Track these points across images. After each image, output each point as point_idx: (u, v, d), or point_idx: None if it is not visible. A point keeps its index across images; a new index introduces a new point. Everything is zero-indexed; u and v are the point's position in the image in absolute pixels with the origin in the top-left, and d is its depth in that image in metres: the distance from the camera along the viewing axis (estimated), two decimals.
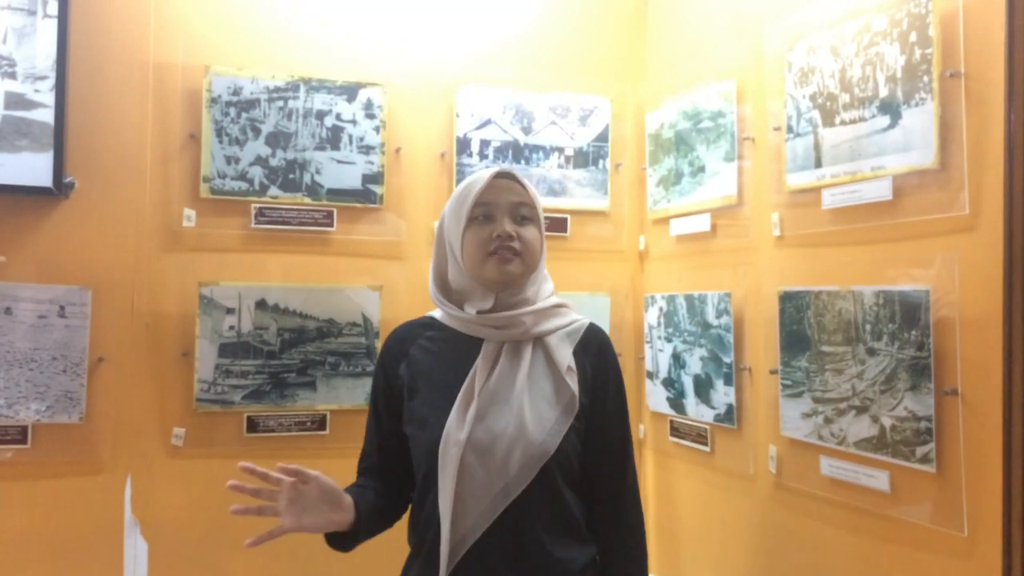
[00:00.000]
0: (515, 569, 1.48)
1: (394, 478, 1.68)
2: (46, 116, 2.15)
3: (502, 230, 1.58)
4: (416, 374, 1.63)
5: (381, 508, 1.65)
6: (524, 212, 1.62)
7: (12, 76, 2.14)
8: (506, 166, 1.65)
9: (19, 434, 2.18)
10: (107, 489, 2.26)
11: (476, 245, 1.59)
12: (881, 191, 1.75)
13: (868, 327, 1.76)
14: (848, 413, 1.81)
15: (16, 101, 2.13)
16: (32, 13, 2.15)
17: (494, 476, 1.47)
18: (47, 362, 2.19)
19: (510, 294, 1.61)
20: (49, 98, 2.15)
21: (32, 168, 2.14)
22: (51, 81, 2.16)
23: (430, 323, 1.71)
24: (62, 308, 2.20)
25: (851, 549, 1.84)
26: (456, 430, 1.51)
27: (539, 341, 1.60)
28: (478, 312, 1.60)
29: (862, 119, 1.80)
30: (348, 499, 1.54)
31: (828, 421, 1.87)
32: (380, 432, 1.70)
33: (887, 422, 1.71)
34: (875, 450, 1.74)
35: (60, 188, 2.17)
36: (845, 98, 1.85)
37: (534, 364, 1.57)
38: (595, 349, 1.64)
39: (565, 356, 1.58)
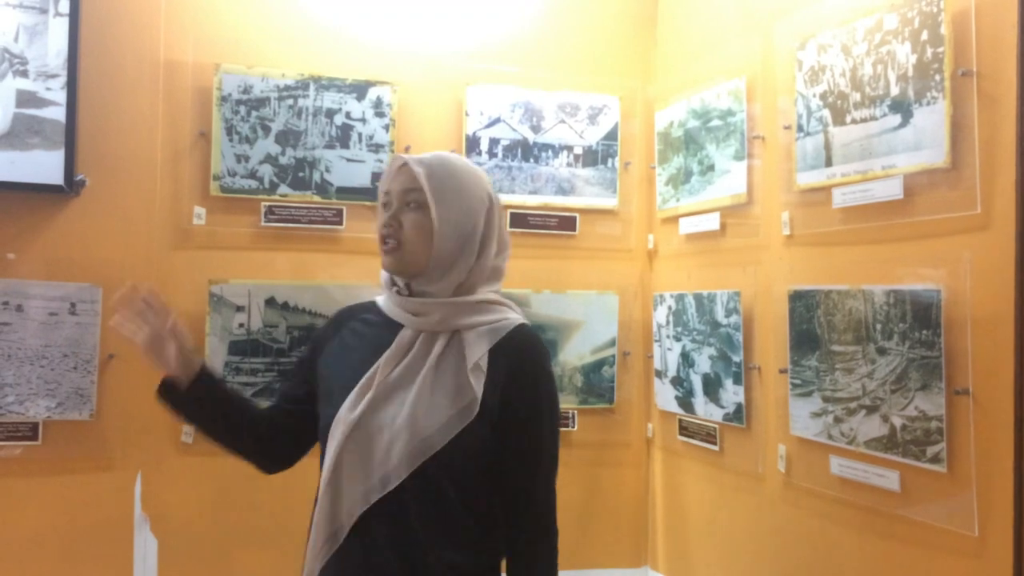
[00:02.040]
0: (394, 564, 1.43)
1: (272, 428, 1.66)
2: (57, 114, 2.16)
3: (384, 220, 1.53)
4: (338, 353, 1.61)
5: (238, 418, 1.66)
6: (411, 198, 1.51)
7: (24, 74, 2.14)
8: (410, 156, 1.54)
9: (30, 430, 2.19)
10: (117, 486, 2.27)
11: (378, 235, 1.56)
12: (892, 190, 1.75)
13: (879, 326, 1.76)
14: (858, 412, 1.81)
15: (28, 99, 2.14)
16: (44, 11, 2.16)
17: (375, 464, 1.43)
18: (58, 359, 2.20)
19: (421, 283, 1.53)
20: (61, 96, 2.16)
21: (44, 166, 2.15)
22: (62, 79, 2.17)
23: (370, 307, 1.65)
24: (73, 305, 2.21)
25: (861, 549, 1.83)
26: (347, 412, 1.48)
27: (456, 335, 1.50)
28: (397, 292, 1.56)
29: (873, 118, 1.80)
30: (197, 361, 1.62)
31: (838, 420, 1.86)
32: (286, 390, 1.72)
33: (897, 422, 1.70)
34: (885, 450, 1.74)
35: (71, 186, 2.18)
36: (856, 97, 1.85)
37: (443, 358, 1.49)
38: (516, 351, 1.50)
39: (475, 353, 1.47)
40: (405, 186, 1.52)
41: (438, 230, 1.49)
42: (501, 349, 1.49)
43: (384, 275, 1.61)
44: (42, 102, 2.15)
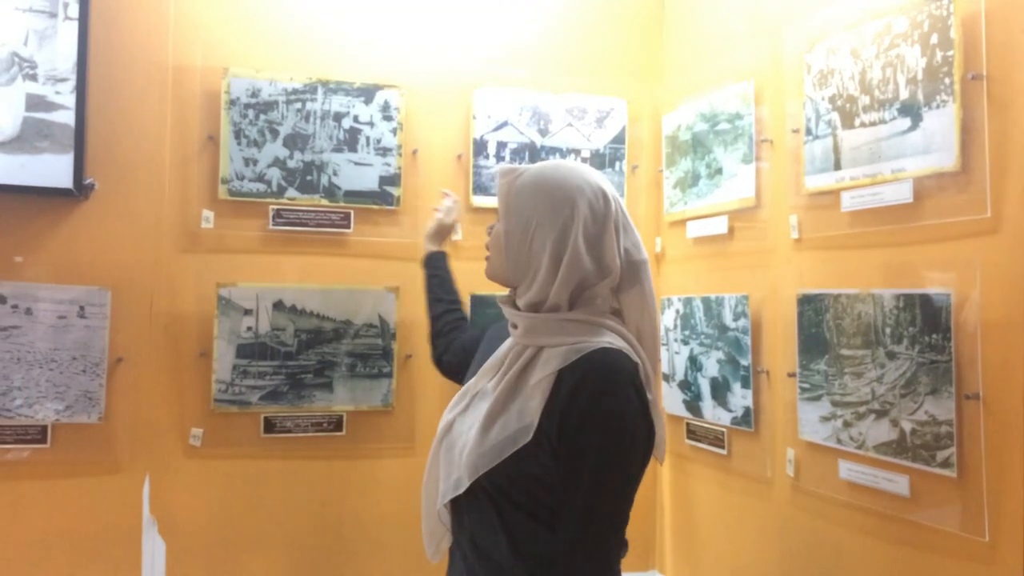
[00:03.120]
0: (475, 563, 1.45)
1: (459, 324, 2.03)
2: (67, 118, 2.17)
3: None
4: (484, 346, 1.69)
5: (449, 294, 2.09)
6: (499, 213, 1.52)
7: (33, 78, 2.15)
8: (512, 166, 1.53)
9: (39, 434, 2.20)
10: (126, 489, 2.28)
11: None
12: (902, 194, 1.74)
13: (888, 330, 1.75)
14: (867, 417, 1.80)
15: (37, 103, 2.15)
16: (53, 15, 2.17)
17: (452, 466, 1.46)
18: (67, 362, 2.20)
19: (516, 294, 1.52)
20: (70, 100, 2.17)
21: (53, 170, 2.16)
22: (72, 83, 2.17)
23: None
24: (82, 308, 2.21)
25: (870, 553, 1.82)
26: (448, 412, 1.54)
27: (539, 351, 1.43)
28: (499, 301, 1.56)
29: (882, 121, 1.79)
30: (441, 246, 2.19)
31: (847, 425, 1.86)
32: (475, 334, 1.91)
33: (907, 426, 1.70)
34: (895, 454, 1.73)
35: (80, 189, 2.19)
36: (865, 100, 1.84)
37: (523, 374, 1.44)
38: (578, 376, 1.36)
39: (540, 374, 1.39)
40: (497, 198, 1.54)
41: (504, 243, 1.47)
42: (568, 372, 1.37)
43: None
44: (51, 106, 2.16)
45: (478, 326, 1.99)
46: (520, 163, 2.57)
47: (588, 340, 1.39)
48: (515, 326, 1.50)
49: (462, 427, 1.49)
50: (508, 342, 1.53)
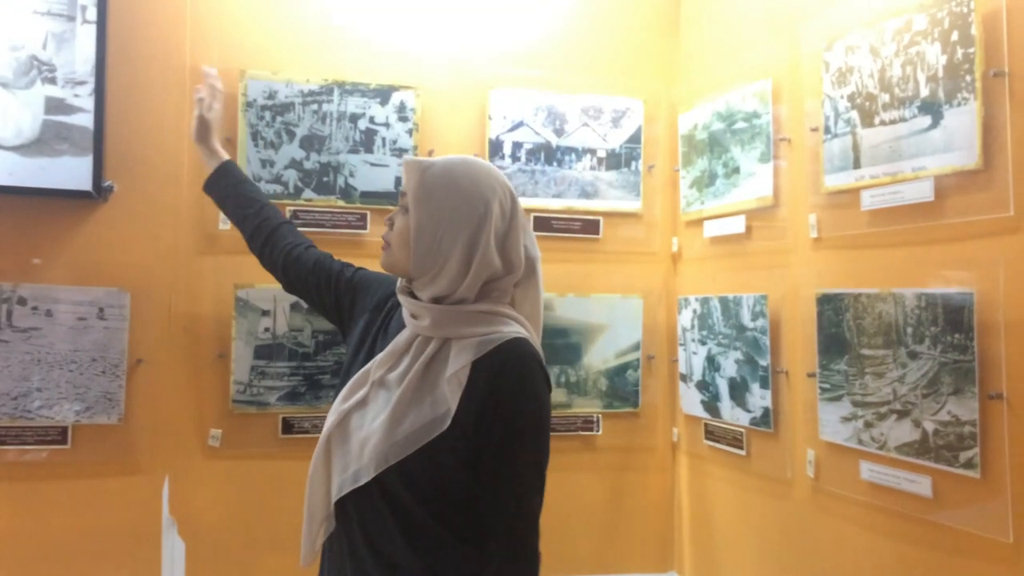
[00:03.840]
0: (369, 559, 1.45)
1: (302, 268, 1.86)
2: (86, 121, 2.17)
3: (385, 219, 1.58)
4: (362, 328, 1.65)
5: (262, 209, 1.97)
6: (404, 201, 1.51)
7: (52, 81, 2.16)
8: (418, 158, 1.55)
9: (59, 434, 2.21)
10: (145, 489, 2.29)
11: None
12: (922, 192, 1.73)
13: (910, 330, 1.74)
14: (889, 417, 1.79)
15: (56, 106, 2.16)
16: (72, 19, 2.18)
17: (351, 458, 1.45)
18: (87, 363, 2.22)
19: (416, 287, 1.52)
20: (88, 103, 2.18)
21: (72, 172, 2.16)
22: (90, 86, 2.18)
23: None
24: (101, 310, 2.22)
25: (892, 555, 1.81)
26: (340, 403, 1.52)
27: (447, 344, 1.46)
28: (397, 290, 1.57)
29: (902, 119, 1.78)
30: (217, 148, 2.09)
31: (868, 425, 1.84)
32: (342, 271, 1.83)
33: (929, 427, 1.69)
34: (917, 455, 1.72)
35: (99, 192, 2.20)
36: (885, 98, 1.83)
37: (430, 366, 1.46)
38: (497, 366, 1.41)
39: (455, 365, 1.42)
40: (403, 188, 1.53)
41: (413, 236, 1.47)
42: (484, 363, 1.41)
43: None
44: (70, 109, 2.17)
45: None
46: (536, 163, 2.58)
47: (497, 331, 1.45)
48: (415, 317, 1.50)
49: (361, 420, 1.47)
50: (406, 332, 1.52)
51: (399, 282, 1.58)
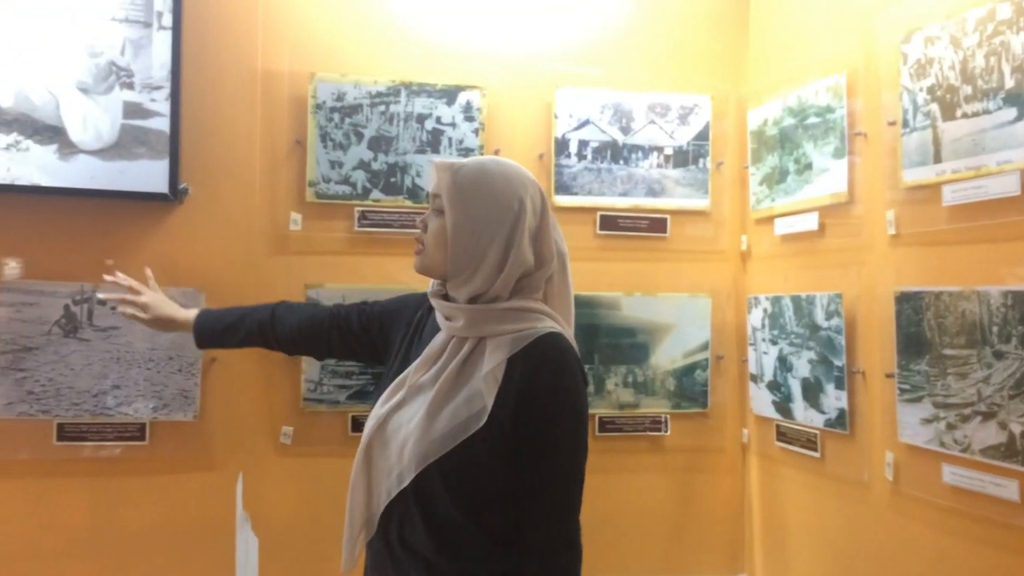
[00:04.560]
0: (407, 562, 1.45)
1: (308, 326, 1.88)
2: (162, 125, 2.23)
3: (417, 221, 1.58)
4: (399, 341, 1.68)
5: (248, 319, 1.94)
6: (437, 203, 1.52)
7: (130, 86, 2.22)
8: (448, 158, 1.56)
9: (138, 431, 2.27)
10: (220, 485, 2.33)
11: None
12: (1008, 186, 1.67)
13: (995, 329, 1.68)
14: (973, 419, 1.73)
15: (134, 110, 2.22)
16: (148, 25, 2.23)
17: (392, 461, 1.46)
18: (163, 361, 2.27)
19: (449, 287, 1.54)
20: (164, 107, 2.23)
21: (149, 175, 2.22)
22: (166, 91, 2.23)
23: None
24: None
25: (976, 561, 1.76)
26: (379, 408, 1.54)
27: (481, 342, 1.47)
28: (430, 295, 1.59)
29: (986, 111, 1.73)
30: (182, 315, 2.01)
31: (951, 427, 1.79)
32: (354, 313, 1.84)
33: (1017, 428, 1.63)
34: (1003, 458, 1.66)
35: (175, 194, 2.25)
36: (967, 90, 1.77)
37: (466, 365, 1.46)
38: (533, 361, 1.42)
39: (491, 362, 1.43)
40: (434, 190, 1.53)
41: (450, 237, 1.48)
42: (519, 358, 1.43)
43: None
44: (147, 113, 2.23)
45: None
46: (602, 162, 2.57)
47: (531, 326, 1.46)
48: (449, 318, 1.52)
49: (399, 421, 1.49)
50: (441, 335, 1.53)
51: (431, 286, 1.60)
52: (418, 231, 1.56)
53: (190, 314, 2.00)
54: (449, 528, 1.43)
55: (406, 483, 1.43)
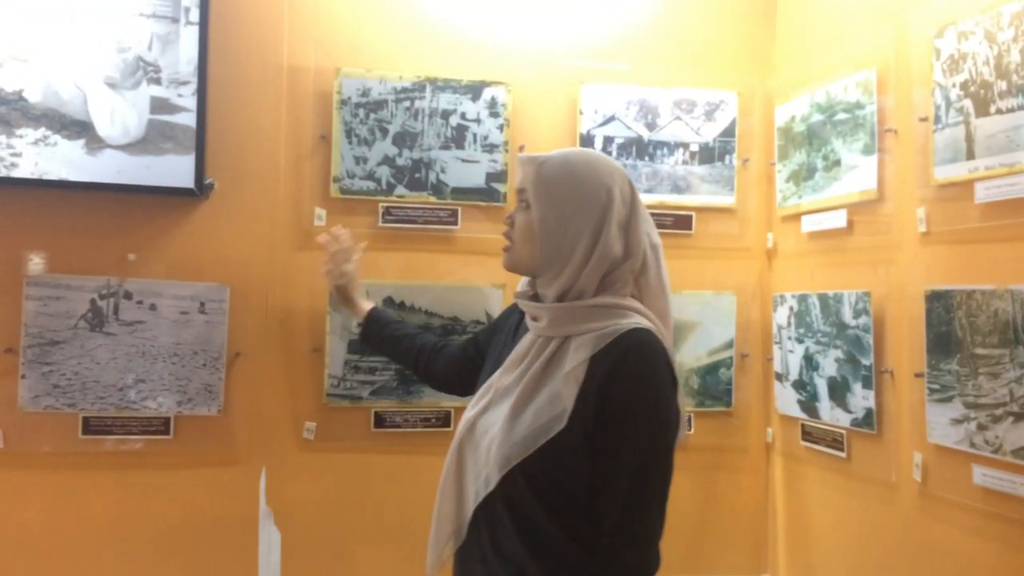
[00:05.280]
0: (496, 566, 1.44)
1: (448, 363, 1.97)
2: (188, 120, 2.23)
3: (504, 219, 1.58)
4: (493, 347, 1.70)
5: (413, 341, 2.07)
6: (522, 197, 1.52)
7: (157, 81, 2.23)
8: (534, 154, 1.53)
9: (162, 425, 2.28)
10: (243, 480, 2.34)
11: None
12: None
13: None
14: (1005, 419, 1.70)
15: (161, 105, 2.22)
16: (175, 20, 2.24)
17: (480, 464, 1.45)
18: (188, 356, 2.28)
19: (539, 285, 1.53)
20: (191, 102, 2.24)
21: (175, 170, 2.23)
22: (193, 86, 2.24)
23: None
24: (202, 304, 2.28)
25: (1007, 564, 1.73)
26: (468, 411, 1.54)
27: (565, 341, 1.44)
28: (516, 296, 1.59)
29: (1021, 107, 1.70)
30: (361, 303, 2.17)
31: (982, 428, 1.76)
32: (467, 347, 1.93)
33: None
34: None
35: (201, 189, 2.25)
36: (1002, 86, 1.74)
37: (549, 365, 1.44)
38: (614, 358, 1.38)
39: (572, 361, 1.40)
40: (519, 185, 1.53)
41: (538, 230, 1.47)
42: (601, 357, 1.39)
43: (522, 278, 1.64)
44: (174, 108, 2.23)
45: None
46: (628, 158, 2.55)
47: (616, 323, 1.42)
48: (535, 319, 1.50)
49: (486, 424, 1.48)
50: (528, 336, 1.52)
51: (518, 287, 1.60)
52: (505, 228, 1.56)
53: (366, 306, 2.16)
54: (539, 532, 1.40)
55: (492, 486, 1.40)
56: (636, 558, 1.38)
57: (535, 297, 1.55)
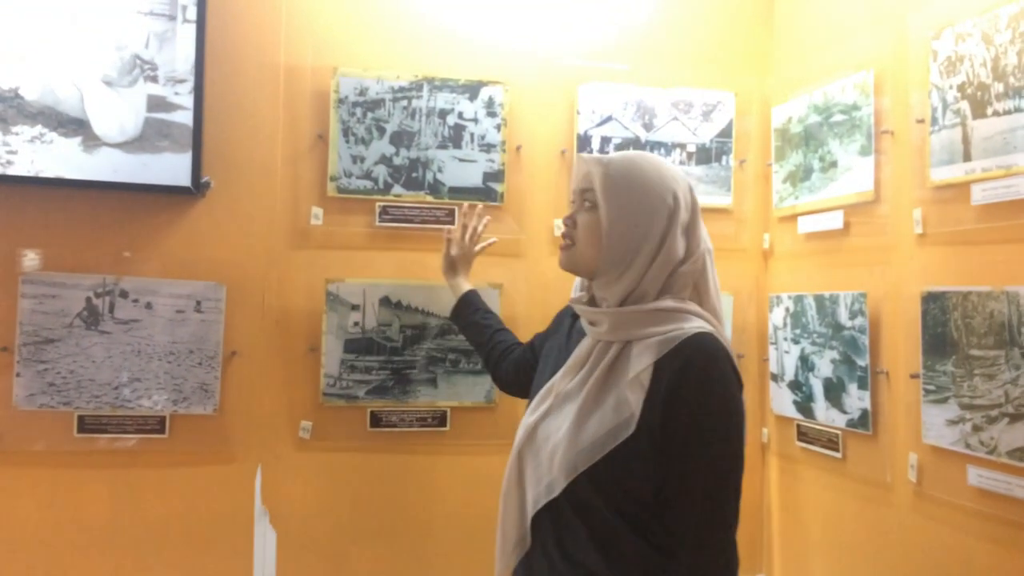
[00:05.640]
0: (550, 569, 1.44)
1: (510, 367, 2.01)
2: (185, 118, 2.23)
3: (563, 218, 1.56)
4: (546, 352, 1.71)
5: (493, 335, 2.10)
6: (587, 197, 1.51)
7: (154, 80, 2.22)
8: (595, 154, 1.54)
9: (158, 424, 2.28)
10: (239, 479, 2.34)
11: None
12: None
13: None
14: (1000, 421, 1.71)
15: (158, 104, 2.22)
16: (172, 18, 2.23)
17: (542, 471, 1.45)
18: (184, 355, 2.27)
19: (597, 287, 1.52)
20: (188, 101, 2.23)
21: (172, 168, 2.22)
22: (190, 84, 2.23)
23: None
24: (198, 303, 2.28)
25: (1002, 565, 1.73)
26: (527, 417, 1.54)
27: (627, 345, 1.44)
28: (572, 302, 1.60)
29: (1018, 109, 1.70)
30: (462, 282, 2.23)
31: (977, 429, 1.77)
32: (526, 349, 1.96)
33: None
34: None
35: (198, 187, 2.25)
36: (999, 87, 1.75)
37: (612, 370, 1.44)
38: (680, 363, 1.37)
39: (636, 366, 1.39)
40: (582, 185, 1.53)
41: (606, 231, 1.47)
42: (666, 362, 1.38)
43: (575, 282, 1.65)
44: (171, 106, 2.23)
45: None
46: None
47: (678, 327, 1.41)
48: (594, 324, 1.50)
49: (548, 430, 1.47)
50: (586, 341, 1.52)
51: (574, 292, 1.61)
52: (565, 227, 1.55)
53: (465, 287, 2.21)
54: (610, 537, 1.39)
55: (555, 493, 1.41)
56: (720, 559, 1.38)
57: (591, 301, 1.55)
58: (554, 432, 1.45)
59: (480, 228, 2.30)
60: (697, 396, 1.36)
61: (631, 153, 1.54)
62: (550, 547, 1.44)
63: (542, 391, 1.54)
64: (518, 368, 1.96)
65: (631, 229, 1.46)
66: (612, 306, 1.47)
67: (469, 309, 2.17)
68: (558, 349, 1.65)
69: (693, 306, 1.47)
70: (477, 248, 2.29)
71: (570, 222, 1.54)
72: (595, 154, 1.53)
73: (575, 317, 1.65)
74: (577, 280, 1.68)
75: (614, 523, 1.39)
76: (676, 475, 1.37)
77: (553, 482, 1.41)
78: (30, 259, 2.22)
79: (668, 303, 1.45)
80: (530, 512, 1.45)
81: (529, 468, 1.49)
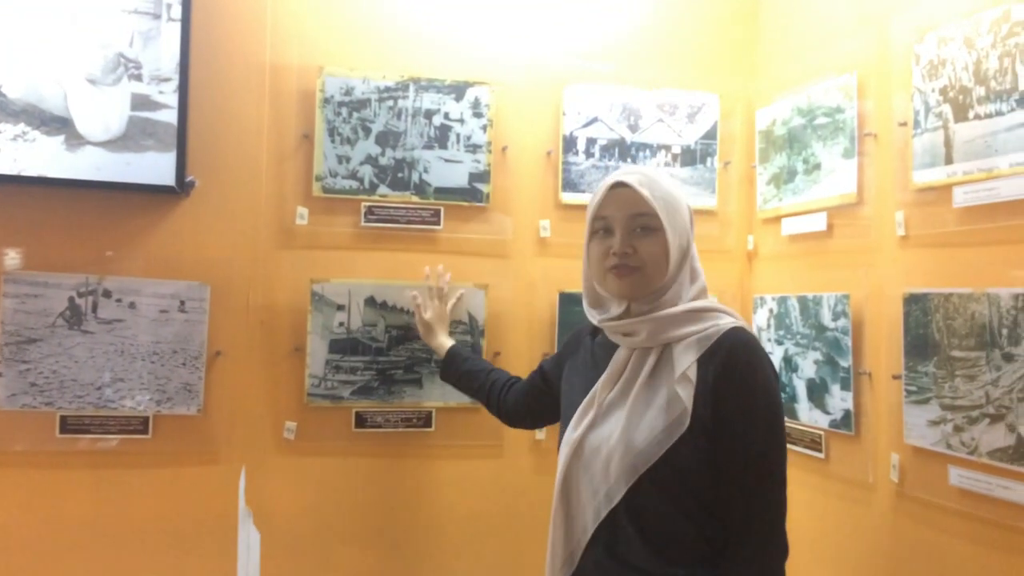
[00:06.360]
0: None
1: (518, 398, 2.01)
2: (170, 117, 2.22)
3: (617, 247, 1.53)
4: (570, 376, 1.72)
5: (488, 376, 2.11)
6: (643, 223, 1.53)
7: (138, 78, 2.21)
8: (625, 174, 1.54)
9: (141, 424, 2.26)
10: (223, 479, 2.33)
11: (597, 259, 1.59)
12: (1020, 188, 1.66)
13: (1005, 331, 1.67)
14: (981, 421, 1.72)
15: (142, 102, 2.21)
16: (157, 16, 2.22)
17: (598, 481, 1.46)
18: (168, 355, 2.26)
19: (642, 303, 1.55)
20: (173, 99, 2.22)
21: (156, 167, 2.21)
22: (174, 83, 2.22)
23: (598, 328, 1.70)
24: (182, 303, 2.27)
25: (984, 564, 1.75)
26: (571, 433, 1.55)
27: (667, 349, 1.50)
28: (601, 320, 1.61)
29: (999, 113, 1.72)
30: (443, 341, 2.25)
31: (958, 429, 1.78)
32: (534, 377, 1.97)
33: None
34: (1011, 461, 1.65)
35: (182, 187, 2.24)
36: (980, 91, 1.77)
37: (655, 373, 1.48)
38: (723, 356, 1.44)
39: (682, 364, 1.45)
40: (632, 211, 1.53)
41: (673, 251, 1.52)
42: (709, 357, 1.45)
43: (584, 300, 1.67)
44: (155, 105, 2.22)
45: (566, 325, 2.01)
46: (610, 160, 2.56)
47: (714, 324, 1.49)
48: (629, 335, 1.53)
49: (597, 441, 1.50)
50: (621, 352, 1.55)
51: (600, 316, 1.61)
52: (624, 256, 1.53)
53: (447, 343, 2.24)
54: (667, 537, 1.43)
55: (616, 500, 1.43)
56: (772, 546, 1.43)
57: (622, 314, 1.58)
58: (605, 440, 1.48)
59: (445, 287, 2.34)
60: (742, 388, 1.43)
61: (647, 171, 1.58)
62: (601, 556, 1.47)
63: (583, 404, 1.56)
64: (528, 398, 1.98)
65: (683, 245, 1.56)
66: (645, 314, 1.52)
67: (458, 360, 2.20)
68: (584, 366, 1.68)
69: (718, 303, 1.57)
70: (449, 306, 2.34)
71: (630, 248, 1.53)
72: (630, 177, 1.54)
73: (592, 335, 1.70)
74: (586, 301, 1.68)
75: (670, 521, 1.42)
76: (732, 466, 1.42)
77: (611, 490, 1.44)
78: (12, 258, 2.20)
79: (698, 303, 1.53)
80: (592, 525, 1.47)
81: (583, 482, 1.50)
